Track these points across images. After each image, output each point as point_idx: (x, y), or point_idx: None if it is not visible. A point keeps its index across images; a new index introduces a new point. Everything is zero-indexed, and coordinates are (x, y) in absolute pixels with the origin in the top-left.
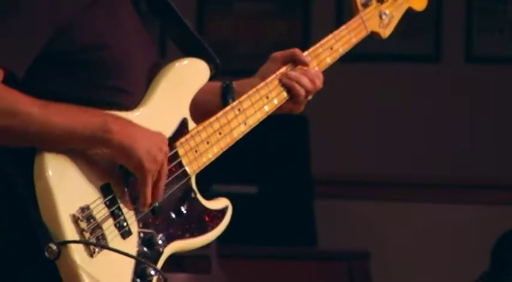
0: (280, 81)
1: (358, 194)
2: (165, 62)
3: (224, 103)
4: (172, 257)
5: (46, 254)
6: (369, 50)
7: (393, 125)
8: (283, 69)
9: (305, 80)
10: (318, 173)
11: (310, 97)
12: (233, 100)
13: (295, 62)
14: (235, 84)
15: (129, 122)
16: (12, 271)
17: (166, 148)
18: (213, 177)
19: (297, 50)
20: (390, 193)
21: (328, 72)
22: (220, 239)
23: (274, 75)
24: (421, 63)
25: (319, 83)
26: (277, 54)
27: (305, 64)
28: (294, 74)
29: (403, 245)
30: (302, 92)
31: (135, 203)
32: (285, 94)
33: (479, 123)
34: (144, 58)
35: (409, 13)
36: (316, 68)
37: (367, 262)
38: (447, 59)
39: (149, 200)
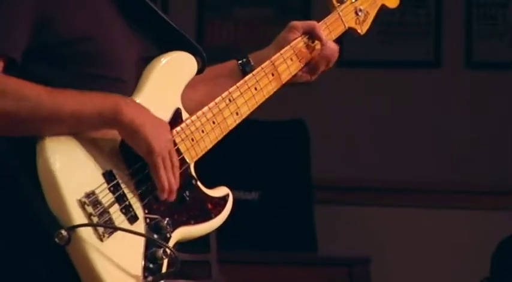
0: (297, 51)
1: (358, 199)
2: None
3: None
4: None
5: (56, 240)
6: (368, 55)
7: (393, 130)
8: (298, 40)
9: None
10: (318, 179)
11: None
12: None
13: (312, 35)
14: (251, 57)
15: (139, 105)
16: (23, 262)
17: (170, 136)
18: (214, 184)
19: (317, 24)
20: (390, 199)
21: (329, 78)
22: (221, 244)
23: (282, 51)
24: (421, 69)
25: (336, 56)
26: (297, 23)
27: (320, 40)
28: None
29: (403, 250)
30: (324, 66)
31: (139, 190)
32: (299, 64)
33: (479, 129)
34: (129, 47)
35: (410, 19)
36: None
37: (367, 268)
38: (447, 64)
39: (165, 183)
